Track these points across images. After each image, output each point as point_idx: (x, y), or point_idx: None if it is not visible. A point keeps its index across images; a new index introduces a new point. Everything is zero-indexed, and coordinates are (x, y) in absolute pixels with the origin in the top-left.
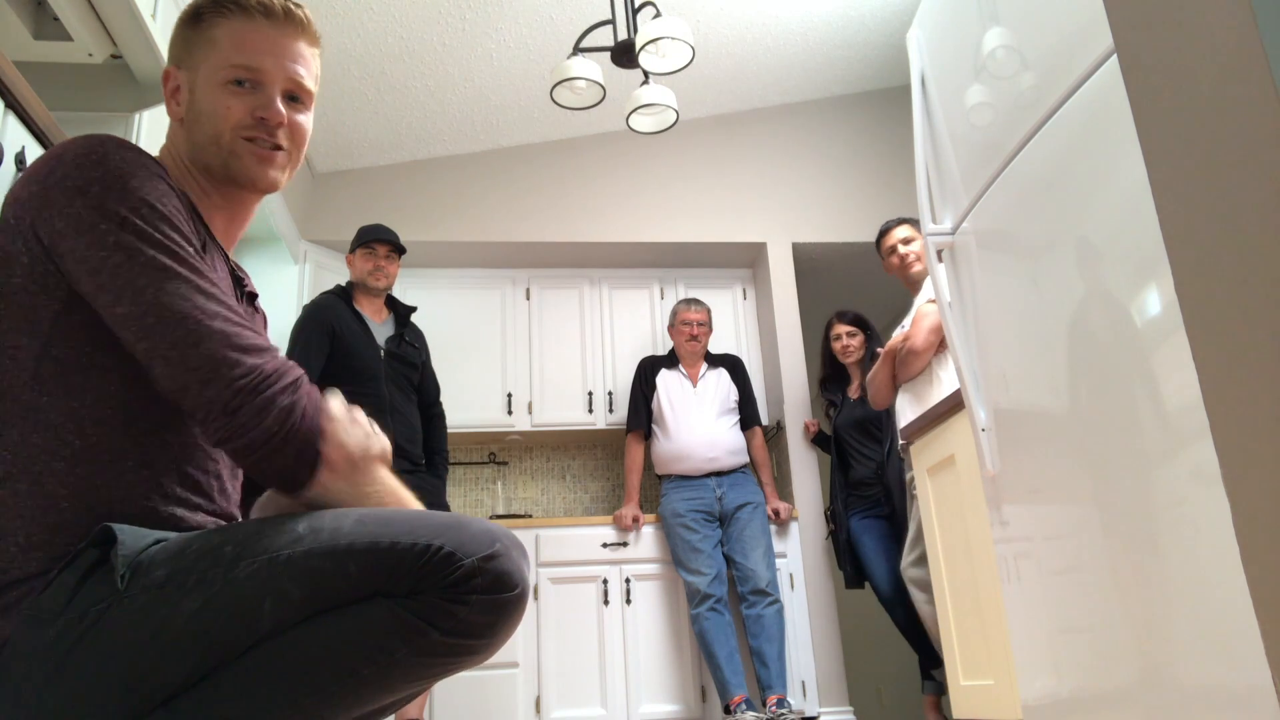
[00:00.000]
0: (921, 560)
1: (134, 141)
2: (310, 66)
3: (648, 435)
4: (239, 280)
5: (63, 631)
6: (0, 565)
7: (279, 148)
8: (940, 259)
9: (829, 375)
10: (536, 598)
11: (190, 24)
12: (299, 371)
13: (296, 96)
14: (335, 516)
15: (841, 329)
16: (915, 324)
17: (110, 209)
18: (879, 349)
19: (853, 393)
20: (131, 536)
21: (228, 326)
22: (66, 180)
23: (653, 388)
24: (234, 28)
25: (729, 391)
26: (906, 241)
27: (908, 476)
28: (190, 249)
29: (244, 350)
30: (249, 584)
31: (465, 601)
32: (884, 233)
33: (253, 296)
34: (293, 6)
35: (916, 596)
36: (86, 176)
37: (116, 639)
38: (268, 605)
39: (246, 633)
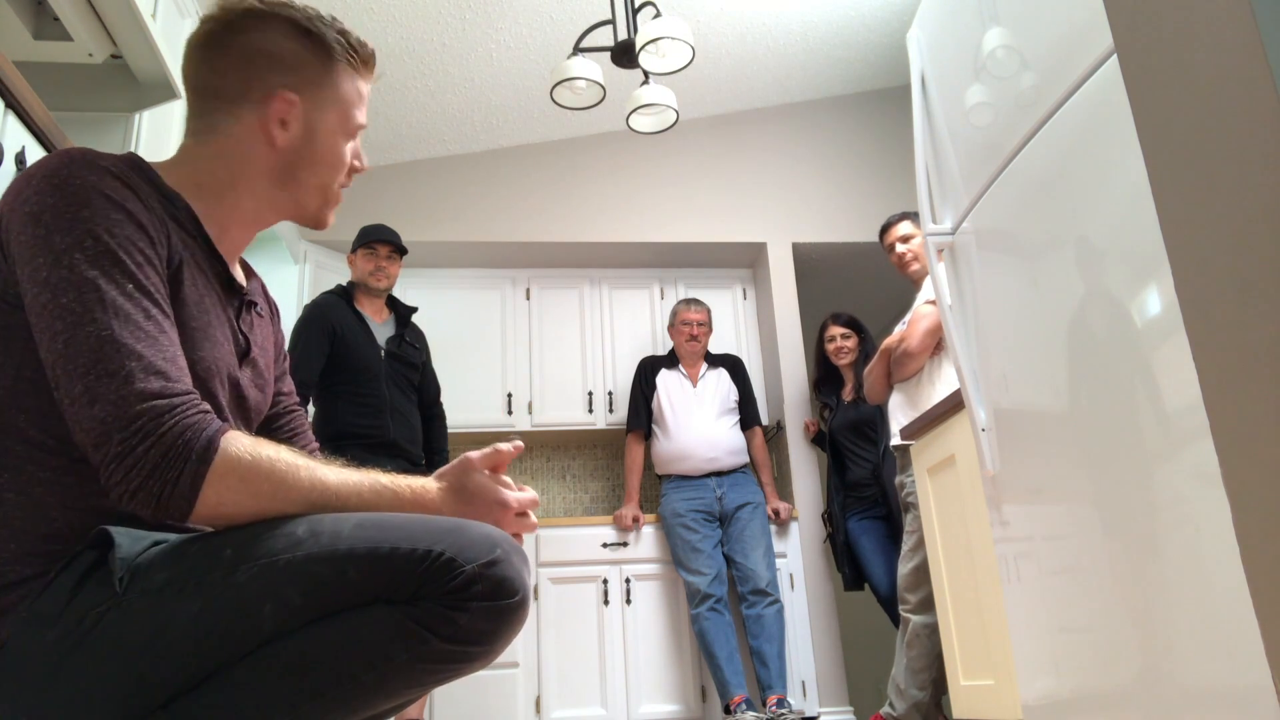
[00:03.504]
0: (915, 578)
1: (133, 142)
2: None
3: (648, 435)
4: (236, 289)
5: (61, 634)
6: None
7: None
8: (940, 258)
9: (823, 377)
10: (536, 598)
11: (320, 55)
12: (193, 417)
13: None
14: (336, 520)
15: (836, 331)
16: (912, 325)
17: (53, 241)
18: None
19: (847, 395)
20: (129, 539)
21: (132, 376)
22: (28, 204)
23: (653, 388)
24: (357, 85)
25: (729, 391)
26: (905, 239)
27: (897, 480)
28: (141, 277)
29: (141, 397)
30: (249, 588)
31: (465, 608)
32: (885, 229)
33: (251, 304)
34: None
35: (906, 617)
36: (43, 203)
37: (115, 642)
38: (268, 610)
39: (246, 637)
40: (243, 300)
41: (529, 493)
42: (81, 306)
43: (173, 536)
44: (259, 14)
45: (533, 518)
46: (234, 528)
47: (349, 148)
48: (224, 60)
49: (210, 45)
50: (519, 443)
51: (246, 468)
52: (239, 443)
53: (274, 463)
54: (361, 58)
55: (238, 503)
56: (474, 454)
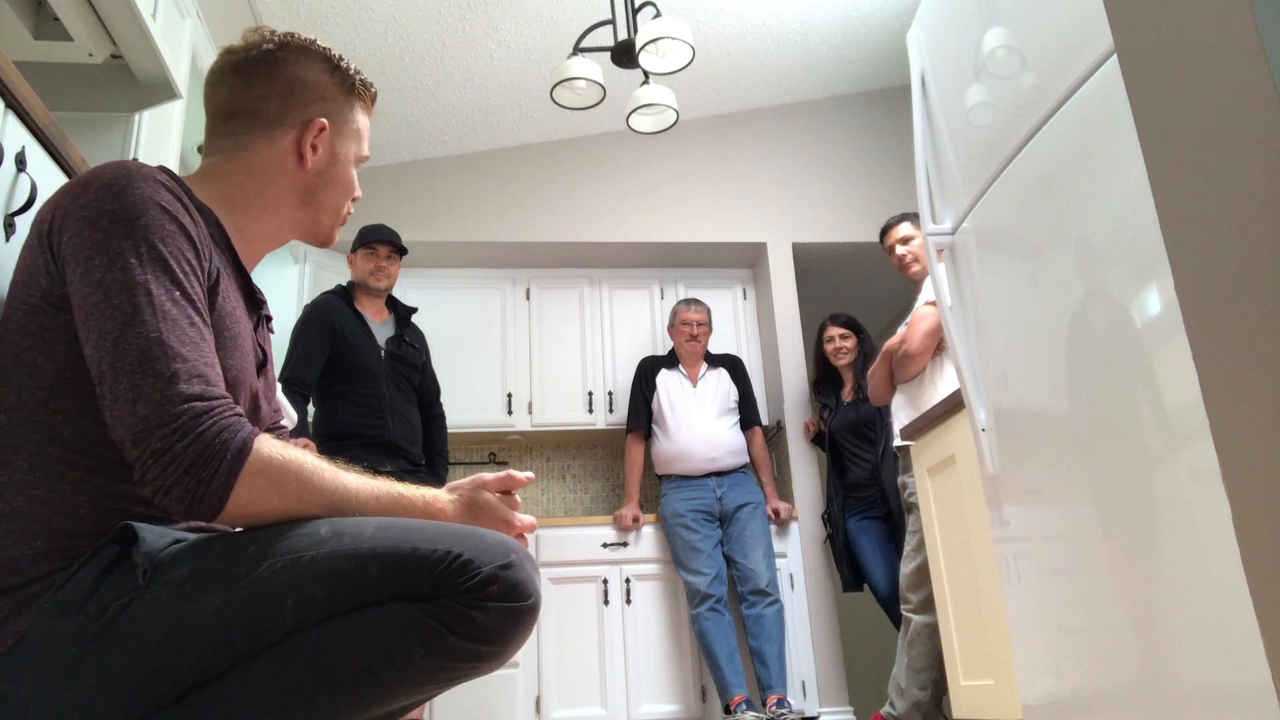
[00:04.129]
0: (917, 578)
1: (133, 142)
2: None
3: (648, 435)
4: (258, 302)
5: (83, 624)
6: (20, 565)
7: None
8: (940, 259)
9: (822, 378)
10: None
11: (344, 90)
12: (230, 419)
13: None
14: (357, 523)
15: (834, 331)
16: (912, 326)
17: (109, 244)
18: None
19: (846, 395)
20: (152, 534)
21: (176, 377)
22: (86, 208)
23: (653, 388)
24: (365, 118)
25: (729, 391)
26: (905, 241)
27: (900, 480)
28: (188, 286)
29: (183, 398)
30: (271, 583)
31: (482, 608)
32: (885, 230)
33: (268, 319)
34: None
35: (908, 617)
36: (102, 208)
37: (137, 633)
38: (289, 604)
39: (267, 631)
40: (260, 314)
41: (530, 519)
42: (132, 308)
43: (194, 535)
44: (299, 47)
45: (526, 539)
46: (256, 527)
47: (355, 177)
48: (267, 86)
49: (252, 71)
50: (531, 474)
51: (277, 468)
52: (270, 445)
53: (301, 465)
54: (371, 95)
55: (267, 501)
56: (488, 475)
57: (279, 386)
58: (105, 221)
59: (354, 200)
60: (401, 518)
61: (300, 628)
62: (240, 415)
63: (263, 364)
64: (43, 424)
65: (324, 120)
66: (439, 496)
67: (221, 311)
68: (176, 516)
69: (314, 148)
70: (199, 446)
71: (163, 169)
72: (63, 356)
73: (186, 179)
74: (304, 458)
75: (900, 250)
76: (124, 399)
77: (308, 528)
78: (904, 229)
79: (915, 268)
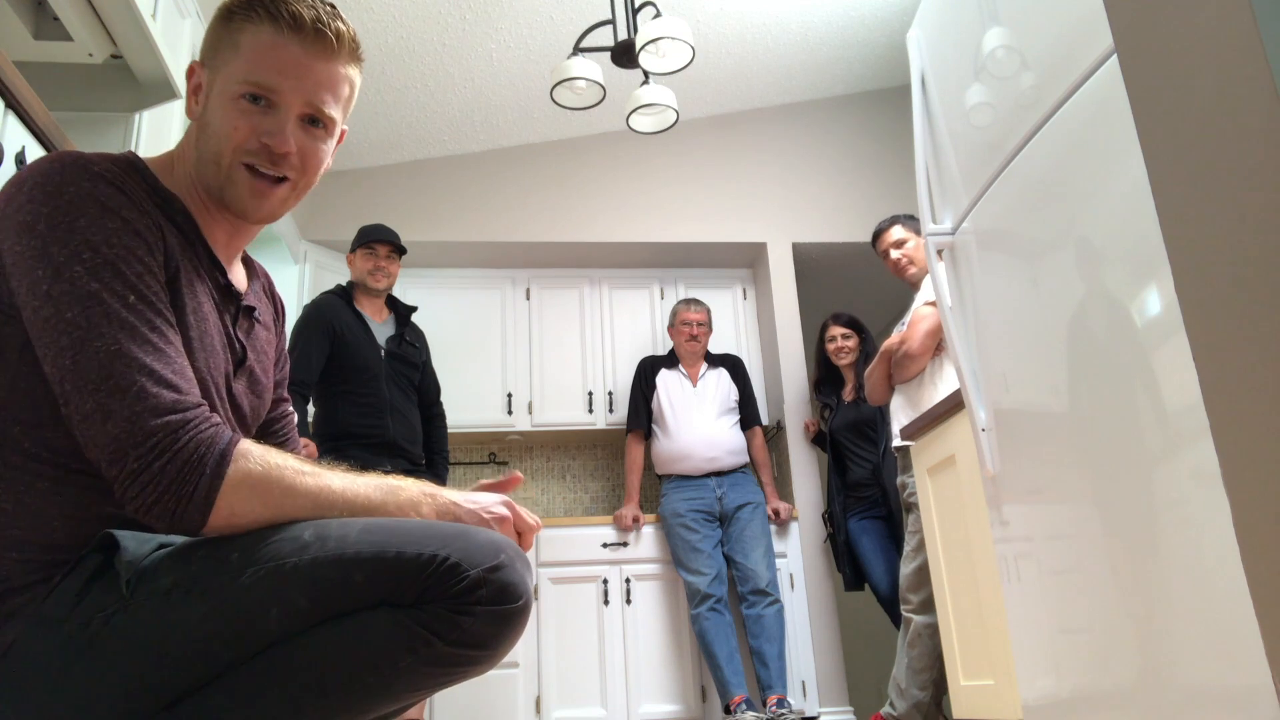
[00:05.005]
0: (917, 578)
1: (133, 142)
2: (339, 90)
3: (648, 435)
4: (234, 295)
5: (69, 637)
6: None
7: (281, 179)
8: (940, 259)
9: (823, 378)
10: (536, 597)
11: (222, 20)
12: (207, 431)
13: (317, 120)
14: (342, 525)
15: (836, 331)
16: (912, 327)
17: (50, 253)
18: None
19: (847, 395)
20: (134, 543)
21: (144, 392)
22: (21, 213)
23: (653, 388)
24: (259, 38)
25: (729, 391)
26: (899, 244)
27: (899, 480)
28: (143, 287)
29: (155, 413)
30: (255, 591)
31: (470, 612)
32: (877, 234)
33: (250, 310)
34: (324, 24)
35: (908, 617)
36: (36, 211)
37: (123, 644)
38: (274, 613)
39: (252, 639)
40: (239, 307)
41: (535, 517)
42: (87, 321)
43: (178, 540)
44: None
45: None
46: (240, 533)
47: (251, 119)
48: None
49: None
50: (519, 474)
51: (258, 479)
52: (250, 453)
53: (282, 471)
54: (264, 8)
55: (250, 512)
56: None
57: None
58: (42, 226)
59: (266, 148)
60: (391, 517)
61: (286, 635)
62: (217, 424)
63: (242, 360)
64: (3, 435)
65: (194, 63)
66: (438, 491)
67: (183, 308)
68: (160, 532)
69: (196, 100)
70: (177, 464)
71: (108, 156)
72: (14, 365)
73: (158, 162)
74: (285, 462)
75: (895, 254)
76: (92, 419)
77: (292, 533)
78: (896, 232)
79: (912, 270)
